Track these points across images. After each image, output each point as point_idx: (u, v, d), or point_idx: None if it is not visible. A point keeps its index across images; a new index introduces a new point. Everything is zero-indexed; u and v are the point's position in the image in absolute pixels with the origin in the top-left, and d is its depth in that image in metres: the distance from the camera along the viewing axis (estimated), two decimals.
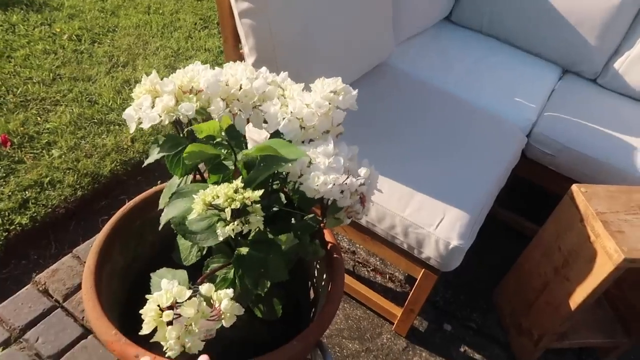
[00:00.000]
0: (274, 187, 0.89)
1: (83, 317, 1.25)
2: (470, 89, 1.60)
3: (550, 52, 1.86)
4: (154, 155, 0.79)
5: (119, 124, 1.91)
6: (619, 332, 1.35)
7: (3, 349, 1.15)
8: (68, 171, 1.62)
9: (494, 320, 1.48)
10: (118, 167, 1.71)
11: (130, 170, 1.73)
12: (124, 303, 0.91)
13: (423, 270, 1.17)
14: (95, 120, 1.88)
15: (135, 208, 0.92)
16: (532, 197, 1.87)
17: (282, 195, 0.91)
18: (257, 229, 0.78)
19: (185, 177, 0.84)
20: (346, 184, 0.77)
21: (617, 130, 1.54)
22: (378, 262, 1.58)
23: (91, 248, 0.82)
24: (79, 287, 1.31)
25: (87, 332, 1.22)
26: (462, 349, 1.39)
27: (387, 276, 1.55)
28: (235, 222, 0.65)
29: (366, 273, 1.55)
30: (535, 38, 1.85)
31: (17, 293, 1.27)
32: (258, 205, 0.67)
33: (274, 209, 0.88)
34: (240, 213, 0.65)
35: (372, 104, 1.40)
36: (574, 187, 1.18)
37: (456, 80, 1.63)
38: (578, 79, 1.85)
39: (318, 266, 0.97)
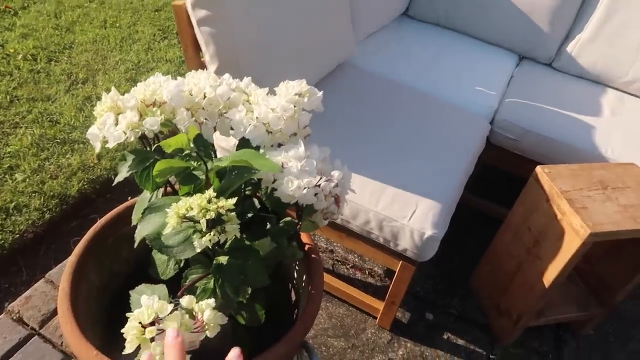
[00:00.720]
0: (247, 193, 0.90)
1: (62, 343, 1.22)
2: (432, 82, 1.63)
3: (506, 40, 1.91)
4: (123, 173, 0.79)
5: (83, 142, 1.87)
6: (593, 304, 1.40)
7: None
8: (34, 194, 1.58)
9: (473, 305, 1.51)
10: (86, 186, 1.67)
11: (99, 188, 1.70)
12: (105, 322, 0.90)
13: (400, 262, 1.19)
14: (58, 140, 1.84)
15: (106, 225, 0.91)
16: (501, 183, 1.93)
17: (256, 201, 0.92)
18: (234, 237, 0.78)
19: (156, 191, 0.83)
20: (320, 186, 0.78)
21: (574, 111, 1.60)
22: (356, 259, 1.60)
23: (64, 270, 0.81)
24: (55, 312, 1.28)
25: (67, 357, 1.19)
26: (445, 336, 1.41)
27: (367, 272, 1.57)
28: (212, 233, 0.65)
29: (345, 270, 1.56)
30: (490, 27, 1.91)
31: None
32: (233, 214, 0.67)
33: (249, 215, 0.89)
34: (216, 223, 0.65)
35: (337, 103, 1.41)
36: (538, 169, 1.22)
37: (418, 74, 1.66)
38: (534, 64, 1.91)
39: (297, 267, 0.98)
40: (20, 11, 2.63)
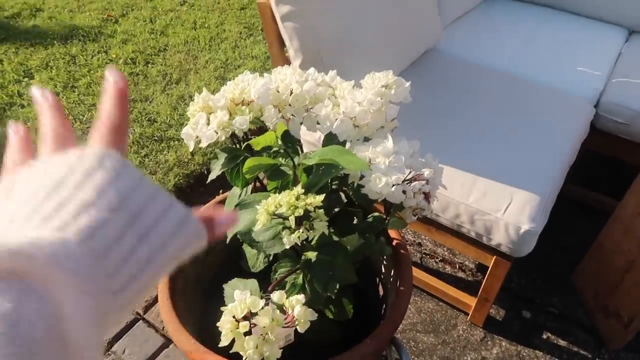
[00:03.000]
0: (333, 187, 0.89)
1: (163, 327, 1.30)
2: (526, 65, 1.52)
3: (612, 13, 1.73)
4: (216, 171, 0.81)
5: (178, 139, 1.98)
6: None
7: None
8: None
9: (575, 303, 1.40)
10: (181, 180, 1.77)
11: (193, 182, 1.79)
12: (201, 311, 0.94)
13: (494, 257, 1.13)
14: (156, 138, 1.96)
15: None
16: (607, 171, 1.76)
17: (342, 195, 0.91)
18: (322, 233, 0.78)
19: (246, 187, 0.86)
20: (410, 184, 0.75)
21: None
22: (446, 252, 1.55)
23: None
24: (157, 299, 1.37)
25: (168, 341, 1.27)
26: (544, 336, 1.33)
27: (457, 266, 1.51)
28: (301, 230, 0.65)
29: (434, 264, 1.52)
30: (593, 0, 1.74)
31: None
32: (321, 210, 0.67)
33: (335, 209, 0.88)
34: (304, 219, 0.66)
35: (425, 92, 1.36)
36: None
37: (511, 58, 1.56)
38: None
39: (385, 262, 0.96)
40: (120, 19, 2.84)
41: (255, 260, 0.89)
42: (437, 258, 1.53)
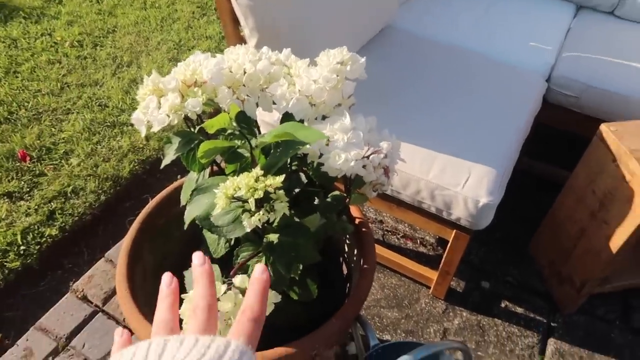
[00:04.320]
0: (293, 168, 0.88)
1: (124, 319, 1.27)
2: (481, 40, 1.54)
3: None
4: (170, 156, 0.79)
5: (132, 125, 1.90)
6: None
7: (53, 358, 1.18)
8: (89, 177, 1.63)
9: (532, 272, 1.46)
10: (137, 167, 1.71)
11: (149, 168, 1.74)
12: None
13: (454, 231, 1.15)
14: (108, 124, 1.89)
15: (156, 208, 0.92)
16: (560, 144, 1.82)
17: (302, 175, 0.90)
18: (283, 214, 0.77)
19: (203, 171, 0.83)
20: (369, 159, 0.75)
21: None
22: (407, 229, 1.57)
23: (120, 252, 0.83)
24: (115, 291, 1.33)
25: (131, 332, 1.24)
26: (502, 305, 1.37)
27: (418, 241, 1.54)
28: (261, 212, 0.63)
29: (396, 240, 1.54)
30: None
31: (58, 303, 1.30)
32: (281, 192, 0.66)
33: (296, 190, 0.87)
34: (264, 201, 0.64)
35: (382, 70, 1.35)
36: (603, 127, 1.13)
37: (465, 33, 1.57)
38: (594, 13, 1.76)
39: (348, 241, 0.96)
40: None
41: (216, 245, 0.87)
42: (398, 234, 1.55)
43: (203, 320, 0.34)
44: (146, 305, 0.80)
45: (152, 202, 0.92)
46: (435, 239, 1.54)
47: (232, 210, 0.67)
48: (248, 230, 0.65)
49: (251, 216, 0.63)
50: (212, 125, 0.67)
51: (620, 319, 1.36)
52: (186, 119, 0.79)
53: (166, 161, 0.77)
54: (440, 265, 1.27)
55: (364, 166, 0.75)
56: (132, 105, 1.99)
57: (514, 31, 1.59)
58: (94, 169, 1.67)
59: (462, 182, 1.06)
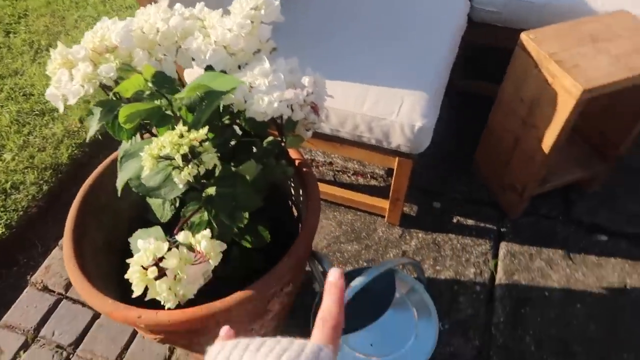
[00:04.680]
0: (226, 122, 0.88)
1: None
2: None
3: None
4: (93, 127, 0.77)
5: None
6: (595, 161, 1.40)
7: (24, 351, 1.18)
8: (26, 170, 1.58)
9: (478, 186, 1.53)
10: (75, 151, 1.66)
11: (89, 150, 1.69)
12: (121, 273, 0.92)
13: (397, 158, 1.19)
14: (37, 112, 1.80)
15: (95, 183, 0.91)
16: (492, 60, 1.86)
17: (237, 128, 0.90)
18: (222, 168, 0.78)
19: (133, 138, 0.82)
20: (291, 98, 0.75)
21: None
22: (356, 166, 1.60)
23: (64, 235, 0.82)
24: None
25: (98, 314, 1.25)
26: (454, 220, 1.44)
27: (369, 176, 1.58)
28: (190, 166, 0.64)
29: (347, 179, 1.57)
30: None
31: (19, 298, 1.29)
32: (207, 143, 0.66)
33: (232, 143, 0.88)
34: (194, 156, 0.65)
35: (299, 10, 1.34)
36: (523, 35, 1.17)
37: None
38: None
39: (293, 184, 0.98)
40: None
41: (161, 210, 0.88)
42: (349, 173, 1.59)
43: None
44: (99, 280, 0.80)
45: (89, 179, 0.91)
46: (385, 170, 1.58)
47: (162, 170, 0.67)
48: (181, 186, 0.65)
49: (180, 172, 0.64)
50: (125, 88, 0.66)
51: (563, 214, 1.46)
52: (105, 87, 0.77)
53: (90, 133, 0.75)
54: (390, 194, 1.32)
55: (289, 106, 0.76)
56: None
57: None
58: (30, 160, 1.61)
59: (396, 110, 1.08)
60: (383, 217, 1.43)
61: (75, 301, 1.27)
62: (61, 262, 1.35)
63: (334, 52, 1.21)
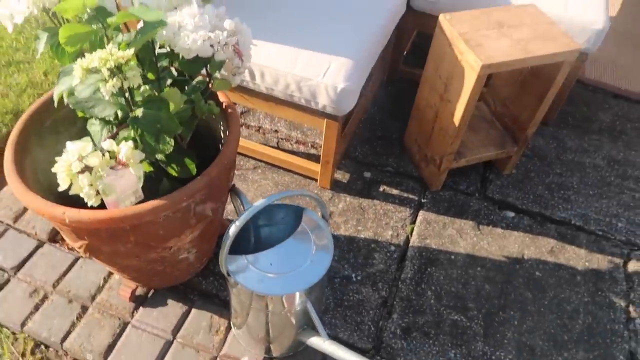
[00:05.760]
0: (164, 65, 1.00)
1: (36, 233, 1.37)
2: None
3: None
4: (40, 48, 0.88)
5: (28, 62, 1.92)
6: (508, 143, 1.57)
7: None
8: None
9: (407, 161, 1.68)
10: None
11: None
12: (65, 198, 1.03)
13: (325, 120, 1.32)
14: (3, 63, 1.89)
15: (43, 106, 1.01)
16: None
17: (173, 70, 1.02)
18: (148, 92, 0.90)
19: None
20: (212, 37, 0.88)
21: None
22: (299, 135, 1.73)
23: (6, 145, 0.93)
24: (25, 210, 1.42)
25: (42, 243, 1.35)
26: (381, 189, 1.59)
27: (309, 144, 1.71)
28: (114, 79, 0.75)
29: (290, 146, 1.70)
30: None
31: None
32: (133, 62, 0.78)
33: (168, 81, 0.99)
34: (120, 72, 0.76)
35: None
36: (441, 17, 1.31)
37: None
38: None
39: (222, 127, 1.11)
40: None
41: (99, 136, 0.99)
42: (292, 141, 1.72)
43: None
44: (40, 192, 0.91)
45: (38, 101, 1.02)
46: None
47: (92, 84, 0.78)
48: (107, 97, 0.77)
49: (106, 84, 0.75)
50: (64, 9, 0.77)
51: (479, 191, 1.62)
52: (53, 16, 0.89)
53: (37, 55, 0.86)
54: (321, 157, 1.45)
55: (212, 45, 0.88)
56: (26, 44, 1.98)
57: None
58: None
59: (323, 72, 1.22)
60: (316, 180, 1.57)
61: (21, 232, 1.37)
62: (12, 197, 1.44)
63: (270, 14, 1.35)
